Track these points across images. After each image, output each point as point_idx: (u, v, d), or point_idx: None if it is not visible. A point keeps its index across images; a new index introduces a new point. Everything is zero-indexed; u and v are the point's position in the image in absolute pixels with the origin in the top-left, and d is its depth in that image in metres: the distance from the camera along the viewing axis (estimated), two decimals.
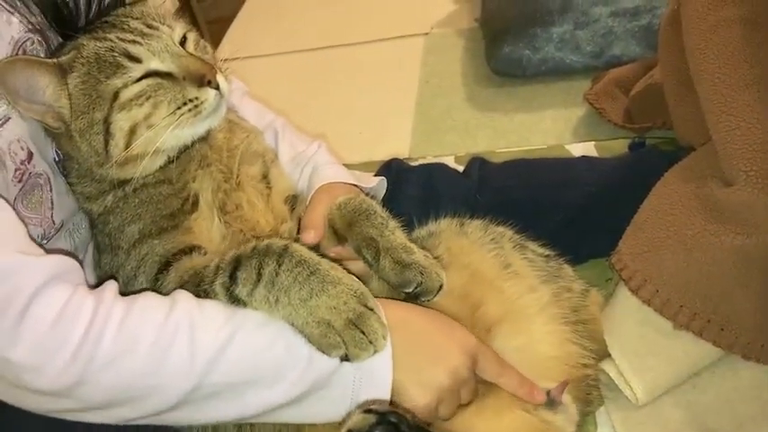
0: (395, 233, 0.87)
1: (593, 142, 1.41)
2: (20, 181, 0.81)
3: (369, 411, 0.72)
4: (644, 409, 0.91)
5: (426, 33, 2.01)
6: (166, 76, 0.83)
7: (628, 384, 0.90)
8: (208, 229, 0.89)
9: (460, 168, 1.26)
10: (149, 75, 0.83)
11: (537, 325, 0.91)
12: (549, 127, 1.53)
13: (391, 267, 0.84)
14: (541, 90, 1.63)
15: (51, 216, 0.88)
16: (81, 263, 0.93)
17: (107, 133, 0.83)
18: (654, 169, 1.03)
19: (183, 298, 0.77)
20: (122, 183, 0.88)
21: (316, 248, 0.92)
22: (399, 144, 1.59)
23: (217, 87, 0.85)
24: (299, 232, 0.95)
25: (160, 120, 0.82)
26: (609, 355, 0.92)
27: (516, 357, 0.87)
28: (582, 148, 1.39)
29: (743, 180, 0.87)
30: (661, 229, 0.93)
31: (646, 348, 0.91)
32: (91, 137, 0.84)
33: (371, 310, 0.76)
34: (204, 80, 0.83)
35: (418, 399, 0.79)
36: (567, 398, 0.84)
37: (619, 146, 1.35)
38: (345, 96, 1.85)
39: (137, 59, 0.82)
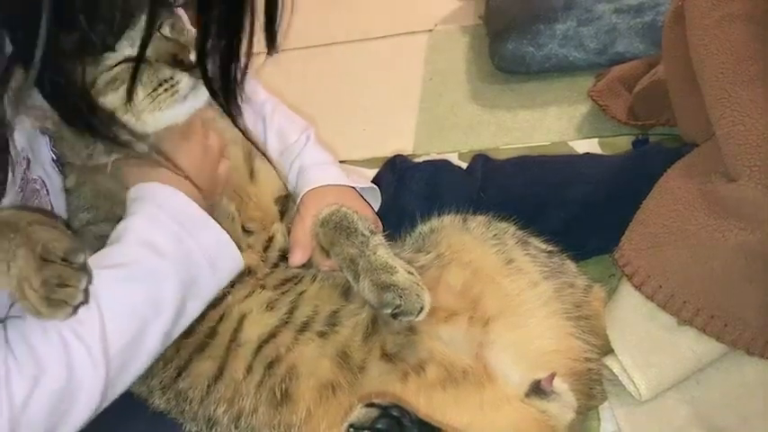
0: (376, 252, 0.87)
1: (596, 139, 1.41)
2: (21, 190, 0.81)
3: (371, 405, 0.72)
4: (647, 405, 0.91)
5: (430, 30, 2.01)
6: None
7: (631, 380, 0.90)
8: None
9: (464, 165, 1.26)
10: (125, 62, 0.81)
11: (536, 320, 0.91)
12: (553, 124, 1.53)
13: (370, 289, 0.84)
14: (545, 87, 1.62)
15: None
16: None
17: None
18: (657, 166, 1.03)
19: None
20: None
21: (308, 263, 0.94)
22: (403, 141, 1.59)
23: (193, 67, 0.83)
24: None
25: (138, 103, 0.81)
26: (612, 351, 0.93)
27: (512, 351, 0.87)
28: (586, 145, 1.39)
29: (746, 176, 0.87)
30: (664, 224, 0.93)
31: (649, 344, 0.91)
32: (78, 131, 0.83)
33: (49, 261, 0.69)
34: (177, 60, 0.82)
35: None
36: (560, 386, 0.84)
37: (622, 143, 1.35)
38: (350, 93, 1.85)
39: (111, 49, 0.81)
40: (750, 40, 0.94)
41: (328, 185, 1.00)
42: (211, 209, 0.89)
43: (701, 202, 0.92)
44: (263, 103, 1.09)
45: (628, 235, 0.97)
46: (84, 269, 0.70)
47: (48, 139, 0.89)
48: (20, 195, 0.81)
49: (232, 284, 0.88)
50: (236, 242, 0.87)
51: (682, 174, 0.99)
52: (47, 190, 0.87)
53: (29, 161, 0.83)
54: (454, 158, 1.38)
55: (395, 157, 1.29)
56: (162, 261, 0.79)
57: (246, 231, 0.93)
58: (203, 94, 0.85)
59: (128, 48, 0.81)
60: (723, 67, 0.94)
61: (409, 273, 0.86)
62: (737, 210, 0.87)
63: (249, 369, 0.85)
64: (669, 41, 1.16)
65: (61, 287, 0.67)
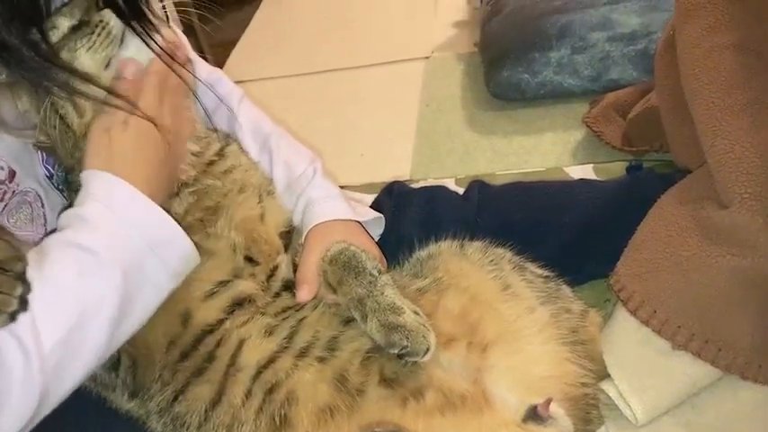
0: (384, 292, 0.87)
1: (591, 165, 1.42)
2: (1, 200, 0.82)
3: None
4: (644, 429, 0.91)
5: (427, 57, 2.04)
6: (78, 26, 0.84)
7: (627, 404, 0.90)
8: None
9: (461, 191, 1.27)
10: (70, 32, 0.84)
11: (533, 345, 0.92)
12: (548, 150, 1.55)
13: (377, 329, 0.84)
14: (540, 113, 1.65)
15: (45, 232, 0.89)
16: None
17: (53, 106, 0.83)
18: (651, 191, 1.04)
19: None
20: None
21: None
22: (400, 166, 1.61)
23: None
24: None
25: (82, 61, 0.83)
26: (608, 376, 0.93)
27: (510, 377, 0.88)
28: (580, 171, 1.41)
29: (738, 202, 0.88)
30: (658, 250, 0.94)
31: (645, 368, 0.92)
32: (52, 121, 0.84)
33: None
34: (99, 3, 0.84)
35: None
36: (557, 411, 0.84)
37: (617, 168, 1.36)
38: (347, 119, 1.87)
39: (53, 28, 0.83)
40: (740, 69, 0.96)
41: (335, 220, 1.00)
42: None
43: (695, 228, 0.93)
44: (269, 135, 1.10)
45: (623, 260, 0.98)
46: (22, 278, 0.69)
47: (40, 155, 0.91)
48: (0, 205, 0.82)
49: (231, 311, 0.88)
50: (237, 271, 0.88)
51: (675, 200, 1.00)
52: (42, 203, 0.89)
53: (12, 172, 0.84)
54: (451, 184, 1.39)
55: (392, 183, 1.30)
56: (94, 254, 0.76)
57: (251, 261, 0.94)
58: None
59: (67, 20, 0.84)
60: (714, 96, 0.96)
61: (415, 313, 0.86)
62: (730, 236, 0.88)
63: (248, 394, 0.85)
64: (661, 70, 1.18)
65: None
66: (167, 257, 0.81)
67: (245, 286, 0.90)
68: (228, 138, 1.06)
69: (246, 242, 0.94)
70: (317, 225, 0.99)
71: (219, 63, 2.33)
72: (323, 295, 0.93)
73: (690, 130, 1.01)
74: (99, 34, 0.83)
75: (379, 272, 0.90)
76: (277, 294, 0.94)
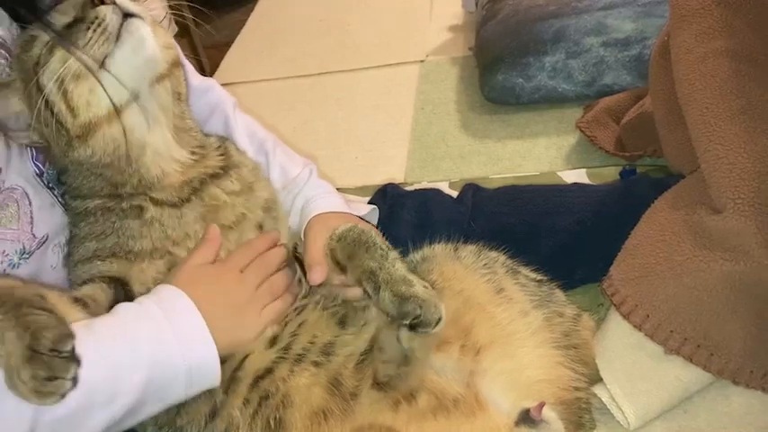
0: (395, 265, 0.87)
1: (584, 169, 1.43)
2: None
3: None
4: None
5: (422, 61, 2.04)
6: (73, 23, 0.83)
7: (620, 408, 0.91)
8: (152, 278, 0.89)
9: (454, 194, 1.27)
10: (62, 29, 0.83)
11: (526, 349, 0.92)
12: (542, 154, 1.55)
13: (390, 300, 0.84)
14: (534, 118, 1.65)
15: (31, 230, 0.88)
16: None
17: (48, 105, 0.82)
18: (644, 196, 1.05)
19: None
20: (114, 194, 0.89)
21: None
22: (395, 169, 1.61)
23: (113, 3, 0.83)
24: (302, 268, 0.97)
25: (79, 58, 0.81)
26: (601, 380, 0.93)
27: (503, 380, 0.88)
28: (574, 175, 1.41)
29: (730, 207, 0.89)
30: (651, 254, 0.95)
31: (637, 373, 0.92)
32: (45, 119, 0.83)
33: (39, 352, 0.67)
34: (95, 1, 0.82)
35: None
36: (550, 415, 0.84)
37: (610, 173, 1.37)
38: (342, 122, 1.87)
39: (48, 25, 0.83)
40: (733, 76, 0.96)
41: (334, 212, 1.01)
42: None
43: (688, 232, 0.93)
44: (264, 140, 1.11)
45: (616, 264, 0.99)
46: (74, 357, 0.68)
47: (30, 151, 0.90)
48: None
49: None
50: None
51: (669, 205, 1.00)
52: (29, 200, 0.88)
53: None
54: (445, 187, 1.39)
55: (386, 185, 1.30)
56: (135, 353, 0.76)
57: None
58: (145, 39, 0.84)
59: (62, 18, 0.83)
60: (707, 102, 0.96)
61: (425, 287, 0.86)
62: (723, 241, 0.89)
63: (246, 402, 0.85)
64: (655, 75, 1.19)
65: (51, 380, 0.65)
66: (194, 385, 0.81)
67: None
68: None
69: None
70: (317, 215, 1.00)
71: (214, 65, 2.33)
72: (330, 278, 0.93)
73: (683, 135, 1.02)
74: (94, 31, 0.81)
75: (389, 247, 0.90)
76: None
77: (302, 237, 1.00)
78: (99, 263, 0.87)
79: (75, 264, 0.89)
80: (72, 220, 0.92)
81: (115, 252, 0.87)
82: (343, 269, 0.92)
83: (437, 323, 0.83)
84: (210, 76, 2.11)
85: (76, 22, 0.83)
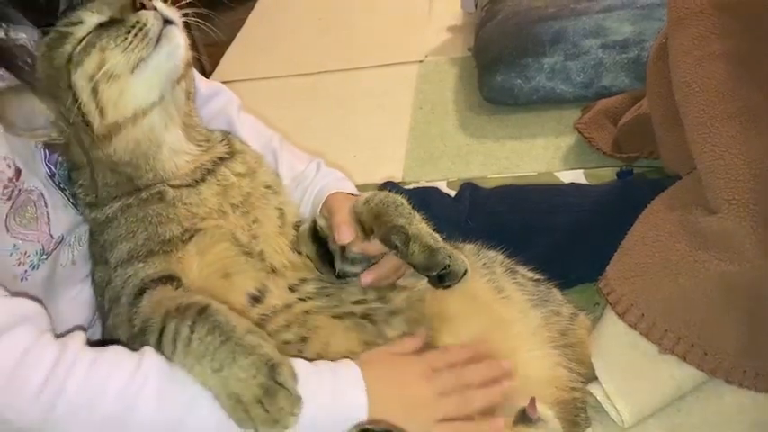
0: (421, 223, 0.90)
1: (582, 170, 1.43)
2: (9, 198, 0.81)
3: (365, 430, 0.73)
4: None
5: (421, 61, 2.04)
6: (109, 23, 0.83)
7: (614, 407, 0.92)
8: (198, 265, 0.88)
9: (452, 193, 1.28)
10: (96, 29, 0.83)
11: (525, 348, 0.93)
12: (540, 154, 1.55)
13: (420, 251, 0.86)
14: (532, 119, 1.66)
15: (49, 231, 0.88)
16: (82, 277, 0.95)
17: (76, 102, 0.83)
18: (641, 197, 1.05)
19: (151, 351, 0.76)
20: (131, 189, 0.89)
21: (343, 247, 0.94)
22: (393, 168, 1.62)
23: (154, 9, 0.83)
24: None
25: (115, 62, 0.81)
26: (596, 378, 0.94)
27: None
28: (571, 176, 1.41)
29: (726, 209, 0.89)
30: (647, 254, 0.95)
31: (632, 371, 0.93)
32: (71, 118, 0.84)
33: (281, 384, 0.70)
34: (136, 4, 0.83)
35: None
36: (547, 413, 0.85)
37: (607, 174, 1.37)
38: (341, 120, 1.87)
39: (78, 23, 0.83)
40: (730, 78, 0.97)
41: (350, 193, 1.03)
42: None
43: (683, 233, 0.94)
44: (270, 138, 1.12)
45: (612, 264, 0.99)
46: (299, 394, 0.71)
47: (43, 153, 0.90)
48: (7, 204, 0.81)
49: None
50: (263, 281, 0.89)
51: (665, 205, 1.01)
52: (45, 201, 0.88)
53: (18, 170, 0.83)
54: (443, 186, 1.40)
55: (384, 184, 1.31)
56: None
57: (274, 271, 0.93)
58: (178, 44, 0.85)
59: (94, 16, 0.84)
60: (704, 104, 0.97)
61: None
62: (718, 241, 0.90)
63: None
64: (653, 77, 1.19)
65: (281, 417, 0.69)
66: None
67: (271, 297, 0.90)
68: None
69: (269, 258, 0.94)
70: (336, 193, 1.01)
71: (213, 63, 2.33)
72: (352, 243, 0.93)
73: (680, 136, 1.03)
74: (135, 35, 0.82)
75: (414, 209, 0.92)
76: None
77: (319, 214, 1.00)
78: (140, 265, 0.85)
79: (114, 268, 0.87)
80: (97, 230, 0.92)
81: (151, 249, 0.86)
82: (367, 233, 0.92)
83: (463, 274, 0.87)
84: (210, 75, 2.11)
85: (112, 22, 0.83)
